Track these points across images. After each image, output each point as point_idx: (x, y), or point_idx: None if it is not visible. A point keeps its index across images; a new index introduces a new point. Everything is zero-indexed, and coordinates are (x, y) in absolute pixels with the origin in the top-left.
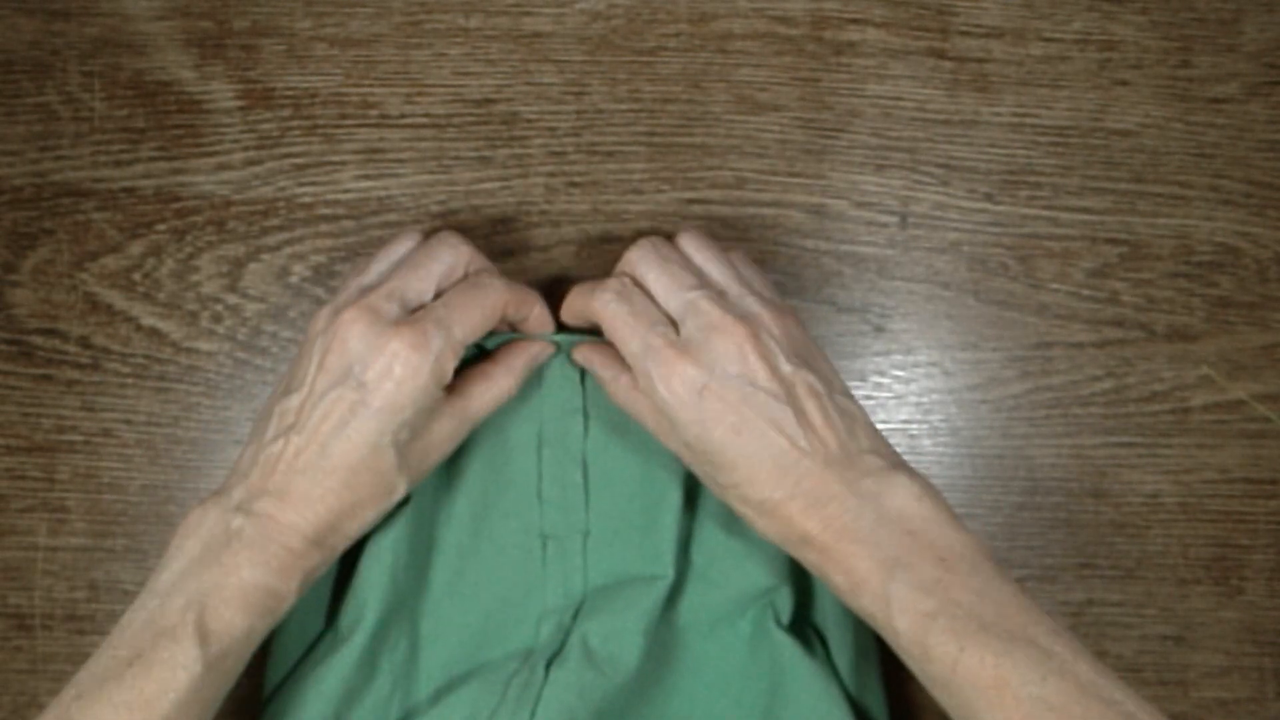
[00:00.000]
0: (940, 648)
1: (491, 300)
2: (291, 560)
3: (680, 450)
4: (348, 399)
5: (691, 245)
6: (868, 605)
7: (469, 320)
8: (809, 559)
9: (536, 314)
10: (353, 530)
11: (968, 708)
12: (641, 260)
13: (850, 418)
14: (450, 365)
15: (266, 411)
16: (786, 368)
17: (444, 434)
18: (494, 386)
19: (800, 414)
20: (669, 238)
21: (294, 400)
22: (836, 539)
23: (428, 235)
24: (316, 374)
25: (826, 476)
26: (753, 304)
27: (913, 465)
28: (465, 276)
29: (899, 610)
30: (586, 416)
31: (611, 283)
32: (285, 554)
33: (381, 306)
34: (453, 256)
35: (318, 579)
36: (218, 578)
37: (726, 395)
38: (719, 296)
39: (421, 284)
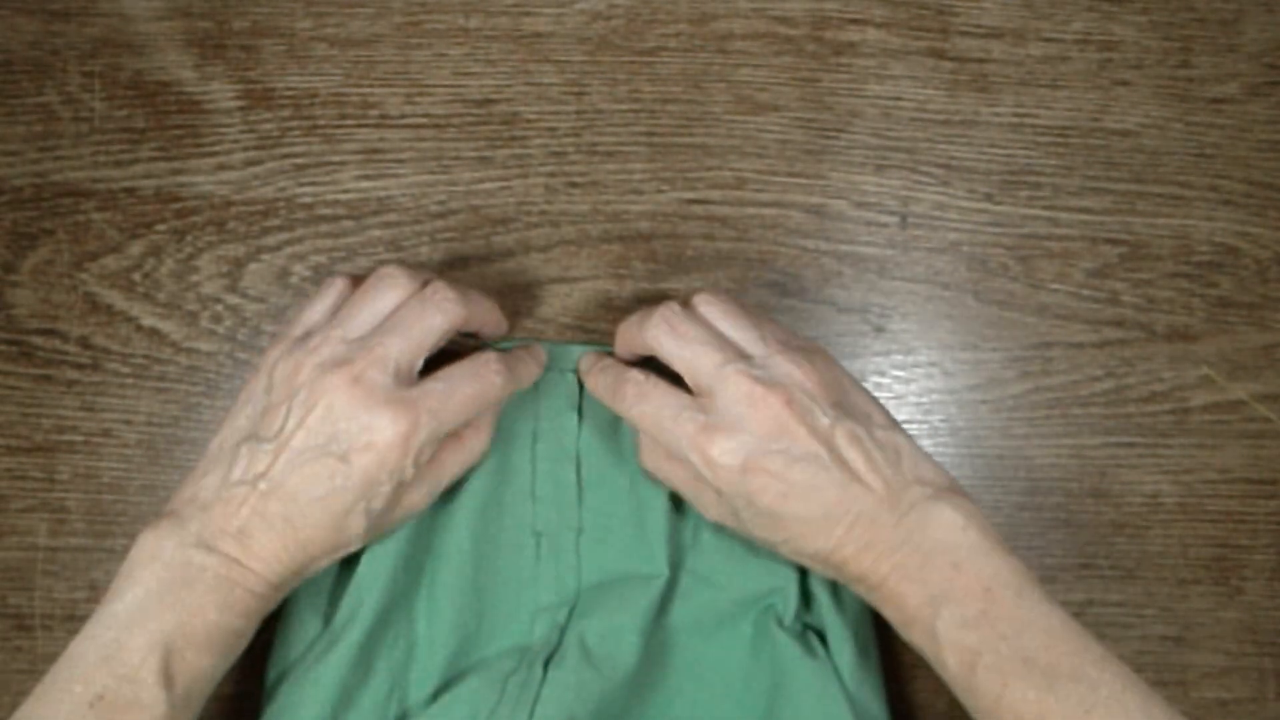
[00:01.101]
0: (985, 684)
1: (488, 383)
2: (255, 604)
3: (725, 518)
4: (328, 468)
5: (708, 309)
6: (918, 640)
7: (462, 404)
8: (864, 594)
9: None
10: (308, 575)
11: None
12: (659, 341)
13: (894, 450)
14: (431, 451)
15: (229, 444)
16: (825, 421)
17: (414, 499)
18: (465, 450)
19: (843, 466)
20: (684, 302)
21: (267, 449)
22: (886, 578)
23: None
24: (296, 430)
25: (875, 519)
26: (782, 363)
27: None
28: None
29: (946, 647)
30: (580, 415)
31: (633, 374)
32: (250, 598)
33: (373, 378)
34: (442, 319)
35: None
36: (181, 618)
37: (770, 466)
38: (747, 364)
39: (413, 352)
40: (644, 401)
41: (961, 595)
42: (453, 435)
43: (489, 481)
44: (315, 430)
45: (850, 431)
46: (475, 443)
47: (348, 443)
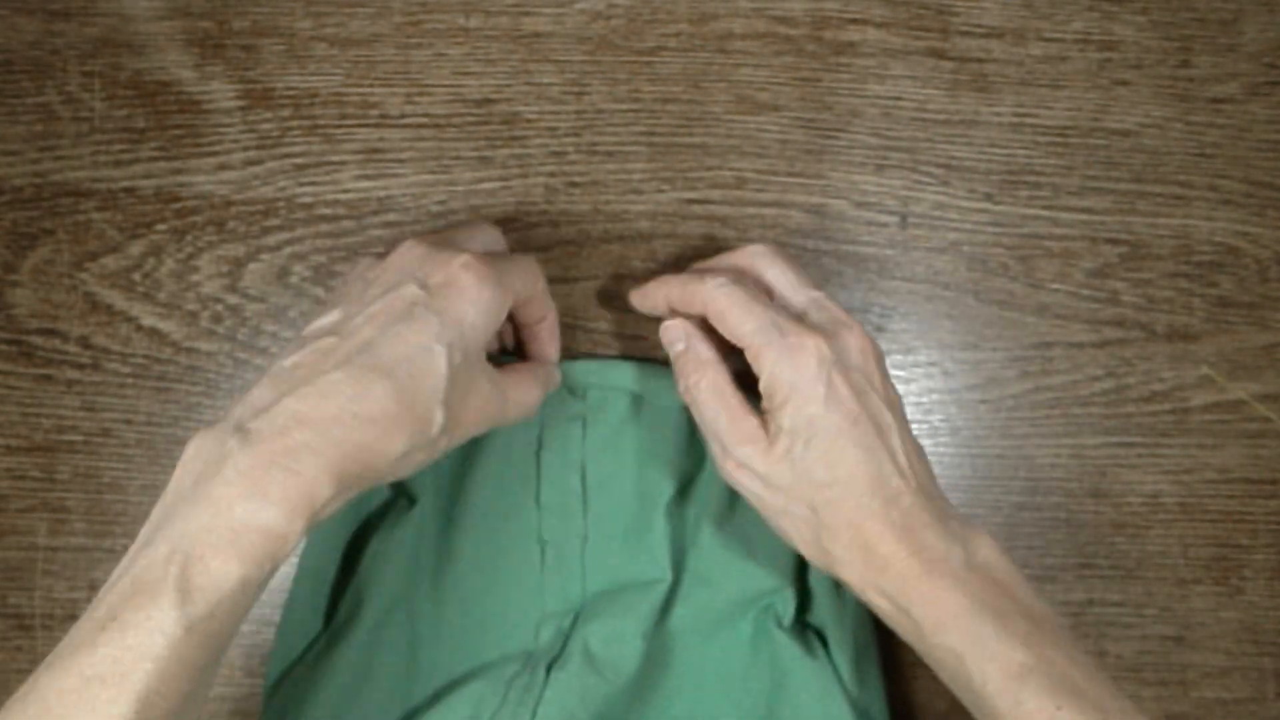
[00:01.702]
0: (1034, 702)
1: (535, 265)
2: (298, 491)
3: (772, 465)
4: (407, 296)
5: (761, 262)
6: (954, 645)
7: (523, 273)
8: (885, 588)
9: (551, 320)
10: (378, 466)
11: None
12: (761, 257)
13: (928, 464)
14: (509, 306)
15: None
16: (894, 392)
17: (483, 398)
18: (532, 393)
19: (904, 435)
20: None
21: (331, 317)
22: (924, 571)
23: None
24: (365, 290)
25: (918, 505)
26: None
27: None
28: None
29: (990, 656)
30: (585, 424)
31: (721, 272)
32: (290, 482)
33: (439, 242)
34: (488, 238)
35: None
36: (206, 519)
37: (850, 383)
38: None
39: (471, 244)
40: (740, 286)
41: (1008, 611)
42: (517, 366)
43: (494, 489)
44: (387, 280)
45: (904, 416)
46: (535, 389)
47: (426, 275)
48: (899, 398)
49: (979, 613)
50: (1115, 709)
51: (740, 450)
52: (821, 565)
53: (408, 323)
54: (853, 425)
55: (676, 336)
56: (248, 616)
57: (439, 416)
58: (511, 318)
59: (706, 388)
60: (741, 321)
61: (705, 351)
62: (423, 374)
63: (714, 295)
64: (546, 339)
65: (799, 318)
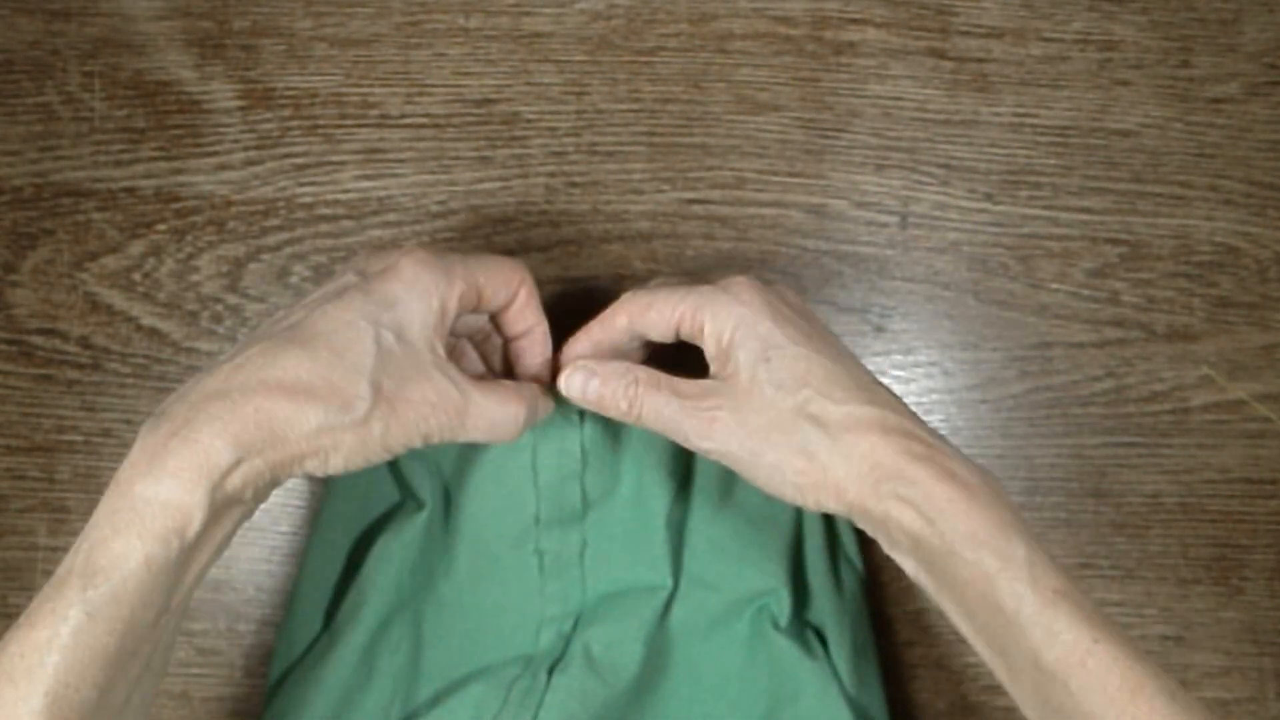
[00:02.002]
0: (1070, 633)
1: (514, 271)
2: (194, 459)
3: (749, 365)
4: (343, 283)
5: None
6: (985, 563)
7: (490, 272)
8: (906, 494)
9: (540, 333)
10: (287, 435)
11: (1077, 706)
12: (628, 301)
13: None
14: (459, 295)
15: None
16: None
17: (433, 390)
18: (506, 408)
19: (851, 354)
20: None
21: (278, 313)
22: (947, 477)
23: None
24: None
25: (912, 416)
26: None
27: None
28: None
29: (1025, 578)
30: (581, 428)
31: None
32: (185, 451)
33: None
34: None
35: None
36: (111, 502)
37: (792, 305)
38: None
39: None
40: (658, 284)
41: (1030, 537)
42: (497, 383)
43: (490, 498)
44: (335, 276)
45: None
46: (513, 408)
47: (366, 264)
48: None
49: (1013, 531)
50: (1142, 648)
51: (706, 411)
52: (830, 502)
53: (336, 301)
54: (807, 338)
55: (579, 379)
56: (248, 616)
57: (364, 392)
58: (500, 329)
59: (643, 391)
60: (667, 301)
61: (616, 368)
62: (344, 347)
63: (626, 306)
64: (533, 355)
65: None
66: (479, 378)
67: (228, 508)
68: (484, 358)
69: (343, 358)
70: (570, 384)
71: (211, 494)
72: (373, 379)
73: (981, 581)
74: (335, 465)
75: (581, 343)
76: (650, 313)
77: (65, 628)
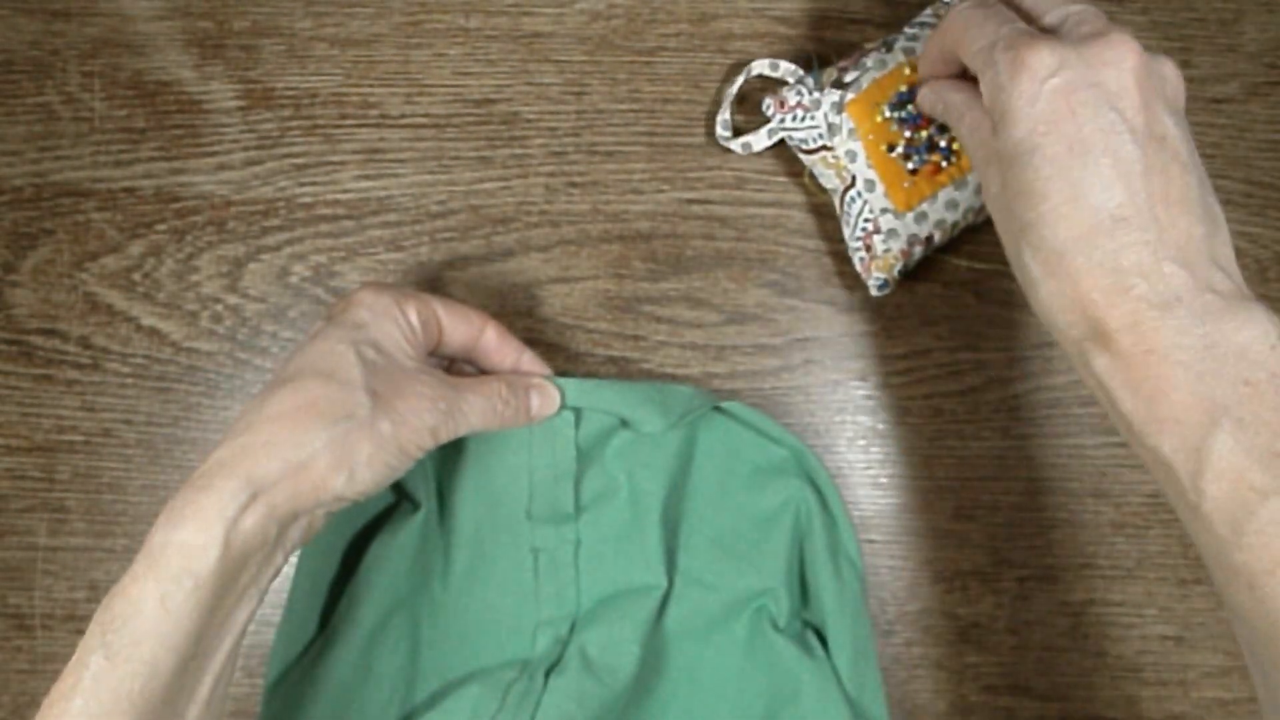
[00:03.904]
0: (1262, 535)
1: (476, 314)
2: (209, 502)
3: (991, 173)
4: (313, 329)
5: None
6: (1166, 450)
7: (449, 308)
8: (1094, 364)
9: (526, 359)
10: (298, 458)
11: (1272, 620)
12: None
13: (1215, 222)
14: (416, 311)
15: None
16: (1168, 120)
17: (428, 387)
18: (489, 386)
19: (1151, 171)
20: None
21: None
22: (1143, 346)
23: None
24: None
25: (1157, 255)
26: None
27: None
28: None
29: (1215, 472)
30: (576, 428)
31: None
32: (201, 498)
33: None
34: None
35: (281, 556)
36: (137, 557)
37: (1078, 100)
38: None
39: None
40: (981, 6)
41: (1254, 420)
42: (486, 378)
43: (485, 497)
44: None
45: (1183, 154)
46: (501, 405)
47: (331, 310)
48: (1181, 134)
49: (1211, 413)
50: None
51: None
52: (1040, 316)
53: (312, 340)
54: (1066, 153)
55: (930, 103)
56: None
57: (363, 399)
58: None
59: (966, 129)
60: (972, 41)
61: (955, 95)
62: (332, 369)
63: (951, 22)
64: (497, 355)
65: (1048, 32)
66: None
67: (252, 549)
68: None
69: (333, 377)
70: (925, 102)
71: (227, 531)
72: (366, 386)
73: (1161, 468)
74: (362, 478)
75: (932, 44)
76: (960, 45)
77: (87, 672)
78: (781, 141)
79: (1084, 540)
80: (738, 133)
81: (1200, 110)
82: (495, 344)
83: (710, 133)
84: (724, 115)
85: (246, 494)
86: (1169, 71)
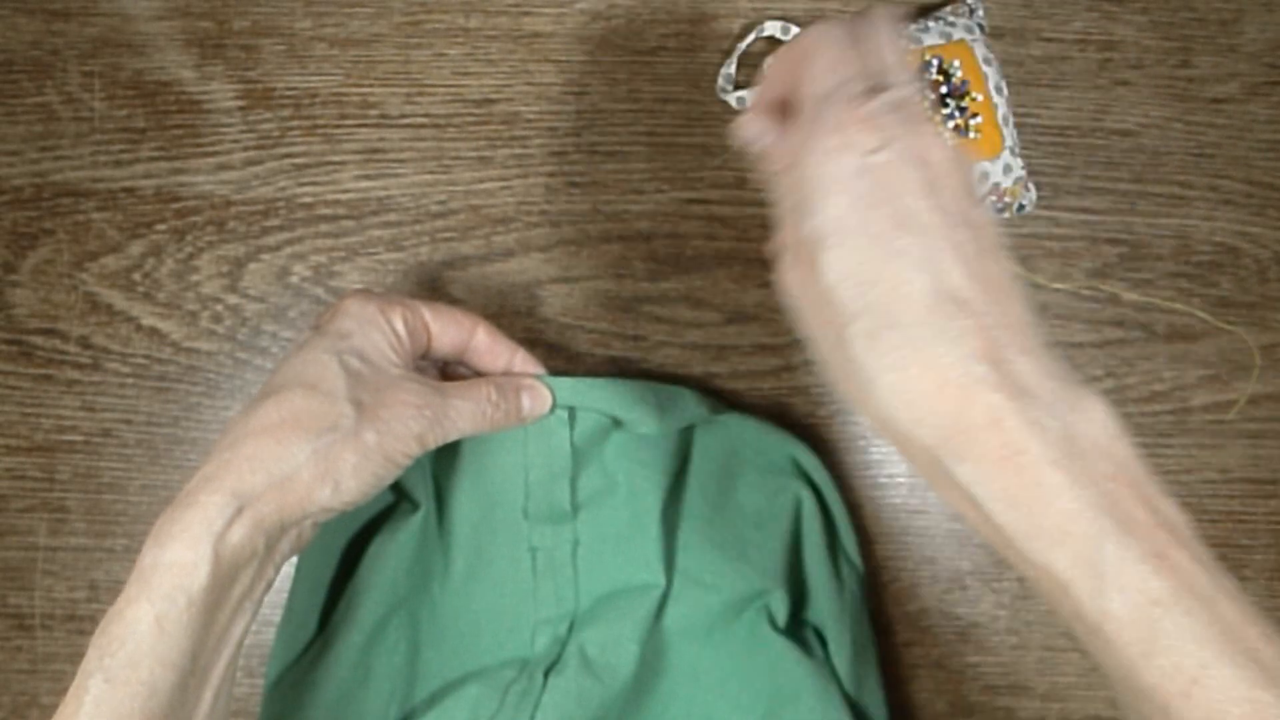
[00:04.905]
0: (1171, 656)
1: (465, 316)
2: (196, 519)
3: (798, 257)
4: (300, 340)
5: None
6: (1061, 568)
7: (437, 312)
8: (957, 474)
9: (519, 359)
10: (282, 470)
11: None
12: (878, 23)
13: (1032, 308)
14: (402, 319)
15: None
16: (982, 209)
17: (412, 394)
18: (478, 390)
19: (983, 255)
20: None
21: None
22: (1011, 447)
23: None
24: None
25: (1001, 341)
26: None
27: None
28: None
29: (1116, 587)
30: (572, 426)
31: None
32: (188, 515)
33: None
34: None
35: (266, 565)
36: (129, 578)
37: (902, 179)
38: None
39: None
40: (847, 32)
41: (1136, 514)
42: (472, 383)
43: (482, 496)
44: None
45: (998, 238)
46: (487, 407)
47: (317, 321)
48: (994, 223)
49: (1097, 515)
50: (1272, 658)
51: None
52: (878, 425)
53: (297, 351)
54: (896, 229)
55: (754, 132)
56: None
57: (347, 410)
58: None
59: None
60: (811, 80)
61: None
62: (316, 380)
63: (805, 44)
64: (490, 359)
65: (880, 91)
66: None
67: (242, 563)
68: None
69: (317, 388)
70: (745, 128)
71: (215, 546)
72: (350, 397)
73: (1054, 588)
74: (348, 489)
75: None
76: (805, 64)
77: (88, 697)
78: None
79: None
80: (738, 88)
81: (1200, 110)
82: (487, 345)
83: (710, 133)
84: (728, 70)
85: (232, 508)
86: (969, 162)
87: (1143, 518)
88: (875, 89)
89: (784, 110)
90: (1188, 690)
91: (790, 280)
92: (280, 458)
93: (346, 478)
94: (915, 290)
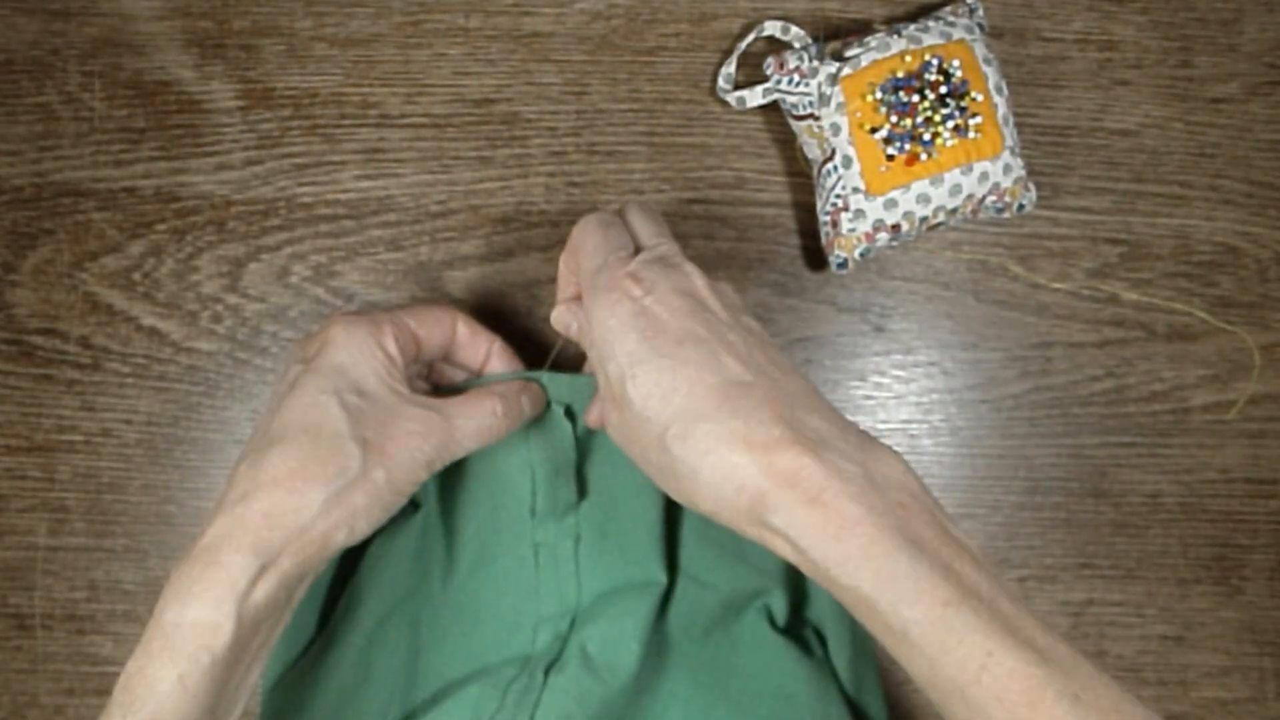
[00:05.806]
0: (963, 648)
1: (444, 313)
2: (217, 578)
3: (610, 405)
4: (290, 376)
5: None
6: (866, 587)
7: (419, 317)
8: (775, 521)
9: (497, 349)
10: (298, 523)
11: None
12: (632, 210)
13: (814, 386)
14: (393, 336)
15: None
16: (747, 317)
17: (415, 422)
18: (482, 406)
19: (754, 349)
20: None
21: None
22: (816, 488)
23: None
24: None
25: (791, 407)
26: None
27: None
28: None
29: (913, 597)
30: (574, 422)
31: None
32: (209, 574)
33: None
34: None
35: (285, 601)
36: (148, 634)
37: (671, 307)
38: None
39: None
40: (603, 225)
41: (926, 534)
42: (472, 392)
43: (486, 494)
44: (282, 373)
45: (767, 337)
46: (490, 403)
47: (305, 350)
48: (761, 328)
49: (892, 539)
50: (1045, 644)
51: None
52: (717, 520)
53: (291, 392)
54: (680, 345)
55: (564, 324)
56: None
57: (352, 450)
58: (468, 369)
59: (593, 358)
60: (584, 262)
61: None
62: (317, 424)
63: (574, 240)
64: (506, 368)
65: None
66: (449, 395)
67: (265, 617)
68: None
69: (320, 432)
70: (560, 318)
71: (239, 606)
72: (354, 436)
73: (863, 605)
74: (361, 530)
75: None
76: (578, 254)
77: None
78: (781, 118)
79: (1084, 540)
80: (737, 88)
81: (1200, 110)
82: (468, 338)
83: (710, 133)
84: (728, 69)
85: (255, 568)
86: (728, 288)
87: (931, 536)
88: (635, 252)
89: (580, 300)
90: (978, 676)
91: (613, 423)
92: (296, 509)
93: (360, 520)
94: (708, 386)
